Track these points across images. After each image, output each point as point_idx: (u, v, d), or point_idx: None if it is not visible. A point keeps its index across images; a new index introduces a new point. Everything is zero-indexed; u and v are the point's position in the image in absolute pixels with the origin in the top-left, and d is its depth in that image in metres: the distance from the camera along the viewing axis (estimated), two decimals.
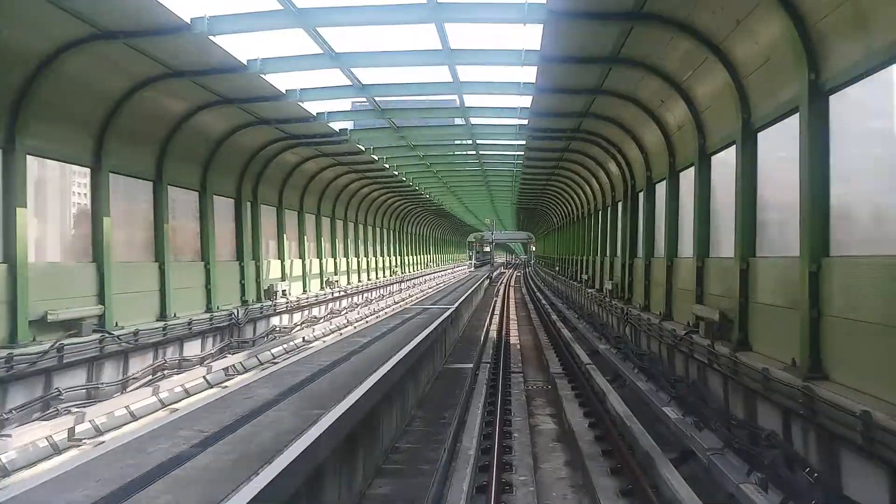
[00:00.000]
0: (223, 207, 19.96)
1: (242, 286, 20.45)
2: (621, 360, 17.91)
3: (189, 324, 16.56)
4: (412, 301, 32.02)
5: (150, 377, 14.71)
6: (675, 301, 14.60)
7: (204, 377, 16.15)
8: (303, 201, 26.35)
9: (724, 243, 11.81)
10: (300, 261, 26.27)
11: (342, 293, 31.48)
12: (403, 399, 11.46)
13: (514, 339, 25.66)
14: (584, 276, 29.05)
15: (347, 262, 33.42)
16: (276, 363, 15.01)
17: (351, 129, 21.66)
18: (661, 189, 16.55)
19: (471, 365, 17.90)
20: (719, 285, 11.67)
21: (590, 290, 26.69)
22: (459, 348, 21.28)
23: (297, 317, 25.08)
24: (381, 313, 29.47)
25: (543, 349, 22.66)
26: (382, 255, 42.48)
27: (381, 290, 40.89)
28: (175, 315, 16.20)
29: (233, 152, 19.24)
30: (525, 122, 19.69)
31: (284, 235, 24.35)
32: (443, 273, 68.93)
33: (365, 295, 36.51)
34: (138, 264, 15.64)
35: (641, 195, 18.15)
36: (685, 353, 12.64)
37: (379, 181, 32.83)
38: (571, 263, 36.94)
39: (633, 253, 19.73)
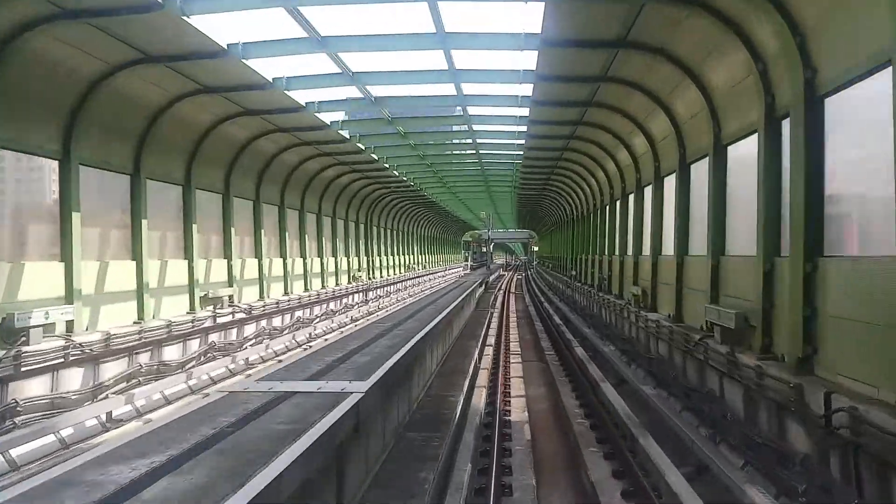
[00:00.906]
0: None
1: None
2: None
3: None
4: (337, 335, 20.42)
5: None
6: None
7: None
8: (141, 159, 14.70)
9: None
10: (133, 263, 14.66)
11: (245, 315, 19.86)
12: None
13: (517, 412, 13.87)
14: (634, 292, 17.40)
15: (261, 266, 21.79)
16: None
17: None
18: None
19: None
20: None
21: (650, 318, 15.08)
22: (404, 449, 9.76)
23: (112, 369, 13.48)
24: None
25: (580, 444, 11.06)
26: (335, 254, 30.84)
27: (332, 303, 29.27)
28: None
29: None
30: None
31: (75, 216, 12.71)
32: (430, 277, 57.23)
33: (298, 313, 24.88)
34: None
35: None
36: None
37: (320, 148, 21.68)
38: (598, 266, 25.29)
39: (818, 249, 8.18)
